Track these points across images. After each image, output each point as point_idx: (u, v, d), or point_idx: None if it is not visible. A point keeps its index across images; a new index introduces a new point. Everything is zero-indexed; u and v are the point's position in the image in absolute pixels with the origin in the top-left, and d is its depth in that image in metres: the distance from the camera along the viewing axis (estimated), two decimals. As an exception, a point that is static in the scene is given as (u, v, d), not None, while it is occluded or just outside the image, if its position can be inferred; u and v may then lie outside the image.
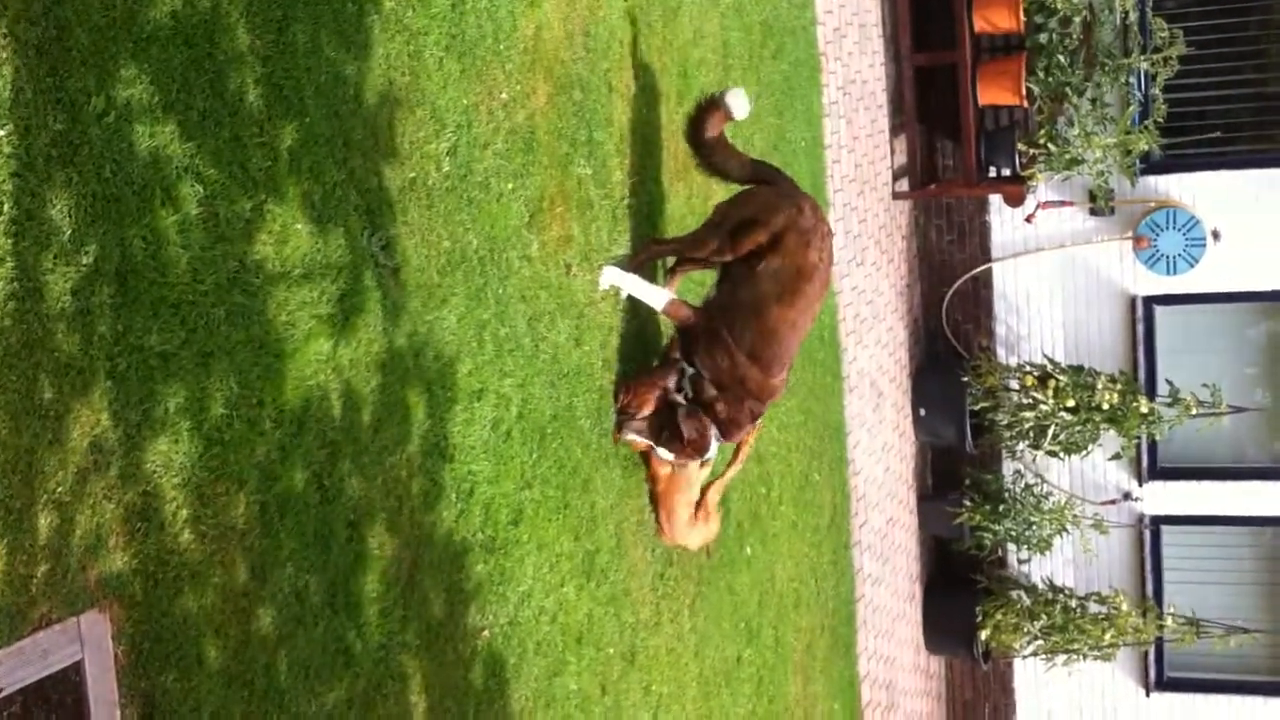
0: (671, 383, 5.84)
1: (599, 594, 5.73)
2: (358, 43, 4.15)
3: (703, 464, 6.14)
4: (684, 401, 5.81)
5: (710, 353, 5.77)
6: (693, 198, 6.80)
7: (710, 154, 6.09)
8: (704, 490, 6.42)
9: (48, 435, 3.03)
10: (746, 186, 6.13)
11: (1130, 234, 11.07)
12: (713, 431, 5.84)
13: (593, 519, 5.70)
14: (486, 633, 4.82)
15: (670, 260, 6.40)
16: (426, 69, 4.52)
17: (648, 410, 5.75)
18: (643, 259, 6.12)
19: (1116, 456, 10.79)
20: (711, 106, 6.01)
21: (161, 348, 3.35)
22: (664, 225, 6.53)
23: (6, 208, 2.95)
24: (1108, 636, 10.80)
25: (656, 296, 5.90)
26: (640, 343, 6.20)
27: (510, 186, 5.05)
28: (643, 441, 5.81)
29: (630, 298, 5.98)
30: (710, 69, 7.17)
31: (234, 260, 3.59)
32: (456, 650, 4.62)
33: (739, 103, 5.96)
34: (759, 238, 5.76)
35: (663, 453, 5.82)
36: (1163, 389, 10.58)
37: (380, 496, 4.20)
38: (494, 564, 4.88)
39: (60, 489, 3.06)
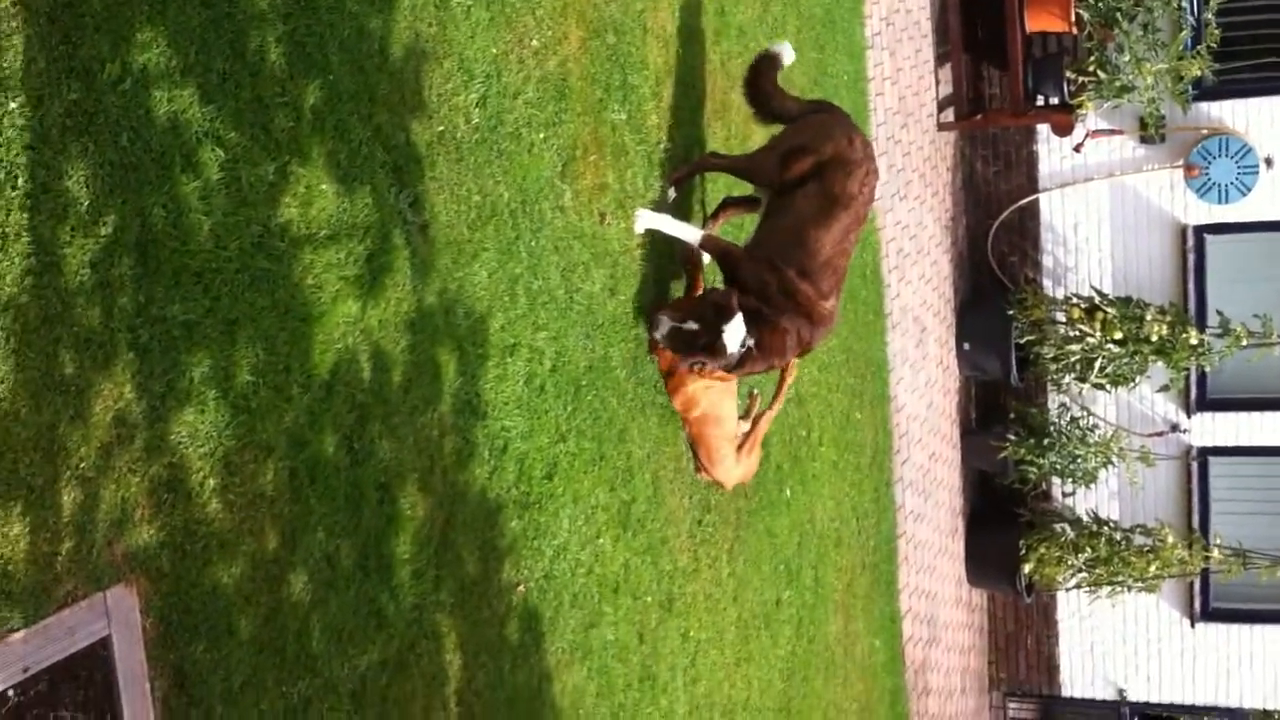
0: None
1: (635, 544, 5.70)
2: (382, -5, 4.05)
3: (723, 375, 5.90)
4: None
5: (757, 273, 5.65)
6: (730, 138, 6.68)
7: (769, 102, 6.13)
8: (755, 422, 6.44)
9: (69, 410, 3.00)
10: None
11: (1181, 162, 10.84)
12: (741, 332, 5.49)
13: (629, 469, 5.66)
14: (521, 588, 4.80)
15: (711, 207, 6.37)
16: (454, 18, 4.42)
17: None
18: (695, 170, 6.17)
19: (1165, 388, 10.64)
20: (763, 61, 6.11)
21: (184, 317, 3.30)
22: (704, 175, 6.42)
23: (21, 181, 2.89)
24: (1153, 568, 10.71)
25: (691, 233, 5.87)
26: (678, 291, 6.11)
27: (542, 136, 4.96)
28: (666, 330, 5.57)
29: (668, 244, 5.90)
30: (748, 5, 7.01)
31: (258, 225, 3.53)
32: (491, 607, 4.60)
33: (786, 50, 6.12)
34: (806, 163, 5.74)
35: (686, 329, 5.51)
36: (1213, 320, 10.39)
37: (411, 457, 4.16)
38: (528, 519, 4.85)
39: (83, 464, 3.03)
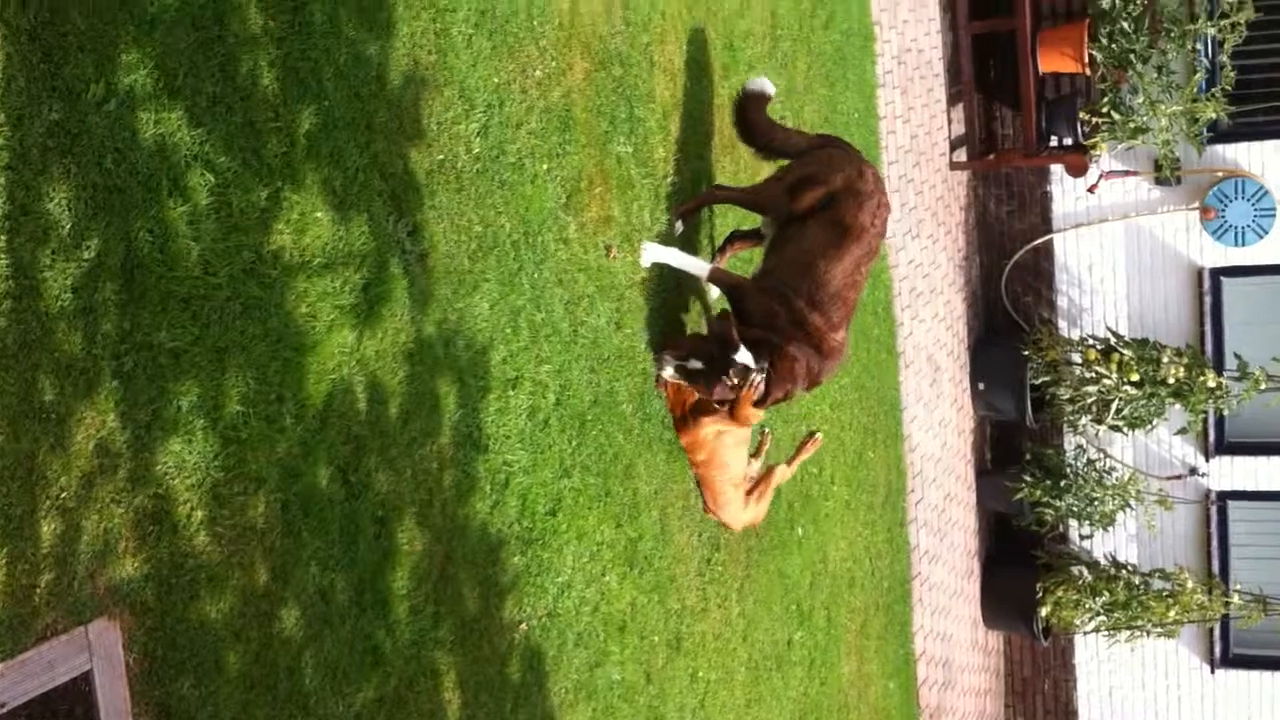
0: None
1: (642, 582, 5.60)
2: (379, 21, 4.00)
3: (736, 413, 5.83)
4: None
5: (765, 304, 5.56)
6: (740, 173, 6.62)
7: (767, 138, 6.06)
8: (767, 471, 6.37)
9: (49, 439, 2.92)
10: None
11: (1197, 204, 10.74)
12: (751, 358, 5.40)
13: (635, 506, 5.56)
14: (524, 626, 4.70)
15: (719, 240, 6.31)
16: (454, 46, 4.37)
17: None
18: (703, 203, 6.09)
19: (1183, 431, 10.52)
20: (746, 98, 6.05)
21: (171, 344, 3.23)
22: (713, 207, 6.36)
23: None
24: (1172, 613, 10.55)
25: (699, 266, 5.80)
26: (686, 325, 6.03)
27: (546, 167, 4.90)
28: (672, 371, 5.51)
29: (675, 280, 5.83)
30: (758, 40, 6.97)
31: (249, 251, 3.47)
32: (493, 645, 4.50)
33: (766, 84, 6.05)
34: (816, 194, 5.68)
35: (691, 368, 5.45)
36: (1230, 362, 10.27)
37: (410, 490, 4.07)
38: (531, 555, 4.75)
39: (64, 494, 2.95)
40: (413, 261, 4.11)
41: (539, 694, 4.76)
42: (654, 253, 5.64)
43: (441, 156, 4.29)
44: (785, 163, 6.00)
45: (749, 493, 6.26)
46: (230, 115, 3.44)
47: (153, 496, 3.18)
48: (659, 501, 5.77)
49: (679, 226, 5.93)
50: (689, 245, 6.04)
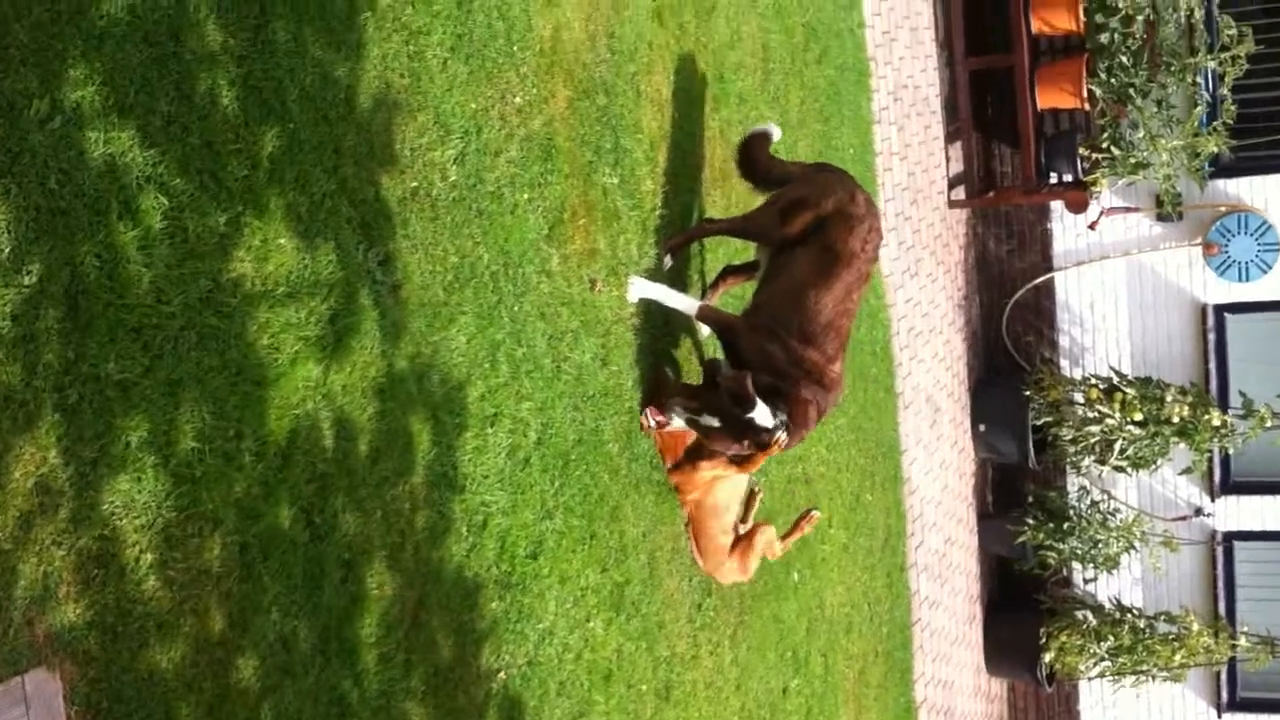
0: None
1: (630, 628, 5.39)
2: (349, 42, 3.84)
3: (743, 463, 5.66)
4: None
5: (759, 345, 5.37)
6: (731, 207, 6.46)
7: (765, 170, 5.97)
8: (753, 531, 6.13)
9: (-18, 476, 2.74)
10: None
11: (1199, 240, 10.60)
12: (767, 411, 5.19)
13: (622, 549, 5.36)
14: (503, 674, 4.49)
15: (710, 276, 6.16)
16: (429, 70, 4.21)
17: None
18: (692, 237, 5.96)
19: (1187, 471, 10.33)
20: (753, 137, 6.02)
21: (120, 376, 3.05)
22: (703, 240, 6.20)
23: (-67, 224, 2.66)
24: (1178, 657, 10.36)
25: (688, 304, 5.64)
26: (675, 362, 5.86)
27: (526, 197, 4.73)
28: (681, 423, 5.35)
29: (663, 316, 5.66)
30: (749, 73, 6.83)
31: (206, 279, 3.29)
32: (469, 694, 4.29)
33: (773, 129, 6.07)
34: (806, 218, 5.54)
35: (705, 424, 5.26)
36: (1235, 400, 10.10)
37: (380, 533, 3.88)
38: (510, 601, 4.55)
39: (-1, 535, 2.76)
40: (384, 292, 3.94)
41: (519, 746, 4.56)
42: (641, 288, 5.48)
43: (415, 184, 4.12)
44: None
45: (734, 545, 6.04)
46: (186, 136, 3.28)
47: (98, 538, 2.99)
48: (647, 545, 5.57)
49: (668, 261, 5.77)
50: (678, 281, 5.88)
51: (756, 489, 6.48)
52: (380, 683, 3.85)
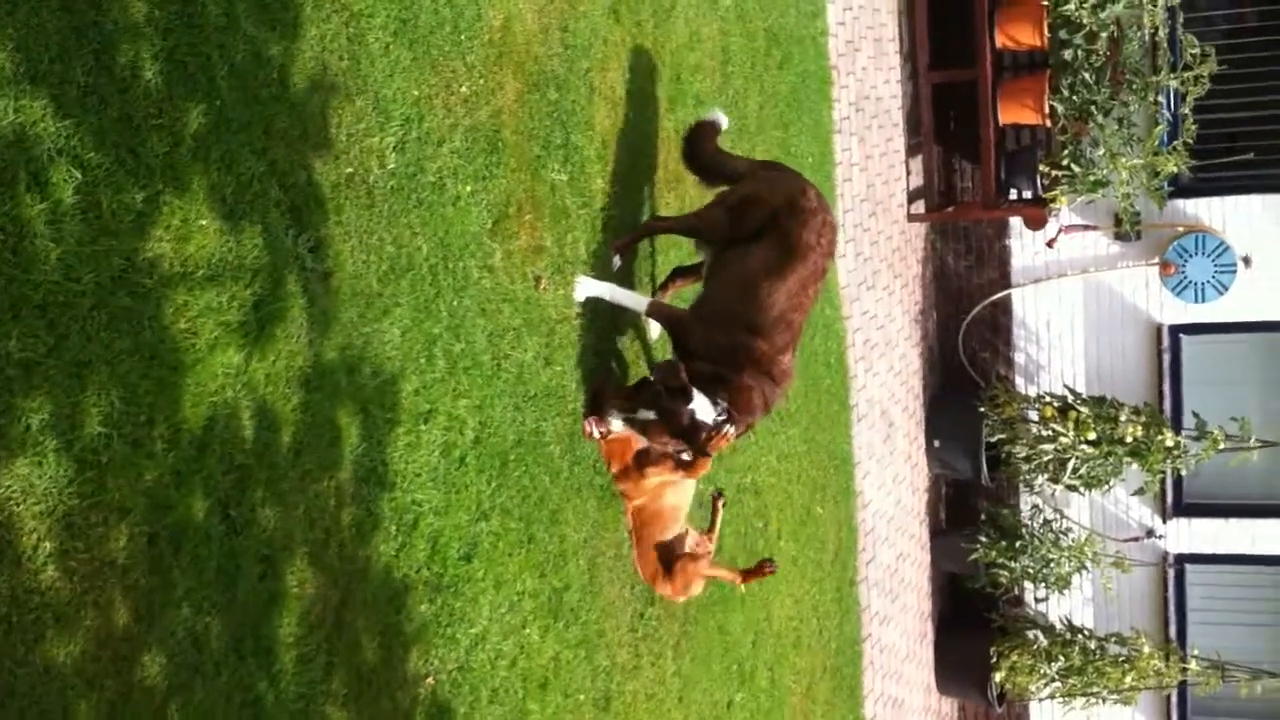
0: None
1: (568, 636, 5.26)
2: (284, 20, 3.71)
3: (690, 467, 5.55)
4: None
5: (706, 336, 5.29)
6: (685, 210, 6.34)
7: (713, 163, 5.88)
8: (694, 556, 5.93)
9: None
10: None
11: (1157, 260, 10.56)
12: (706, 401, 5.11)
13: (562, 554, 5.23)
14: (431, 679, 4.35)
15: (660, 277, 6.05)
16: (369, 54, 4.08)
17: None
18: (641, 235, 5.84)
19: (1140, 492, 10.28)
20: (700, 127, 5.92)
21: (22, 355, 2.90)
22: (654, 240, 6.09)
23: None
24: (1128, 679, 10.30)
25: (637, 301, 5.54)
26: (623, 364, 5.74)
27: (469, 189, 4.60)
28: (620, 424, 5.25)
29: (611, 315, 5.55)
30: (708, 75, 6.72)
31: (120, 258, 3.15)
32: (394, 700, 4.15)
33: (720, 116, 5.96)
34: (757, 214, 5.45)
35: (641, 419, 5.16)
36: (1189, 422, 10.06)
37: (302, 528, 3.74)
38: (441, 604, 4.41)
39: (-118, 517, 2.62)
40: (313, 280, 3.80)
41: (447, 754, 4.42)
42: (588, 287, 5.36)
43: (350, 170, 3.99)
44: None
45: (674, 563, 5.86)
46: (104, 108, 3.14)
47: (-7, 524, 2.85)
48: (588, 550, 5.45)
49: (617, 261, 5.65)
50: (627, 281, 5.76)
51: (721, 500, 6.34)
52: (299, 684, 3.71)
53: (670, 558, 5.75)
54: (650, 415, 5.14)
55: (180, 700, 3.29)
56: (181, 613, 3.30)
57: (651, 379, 5.12)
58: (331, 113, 3.91)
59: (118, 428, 3.13)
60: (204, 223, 3.39)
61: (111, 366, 3.12)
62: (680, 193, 6.36)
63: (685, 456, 5.29)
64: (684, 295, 6.06)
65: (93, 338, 3.07)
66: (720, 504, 6.35)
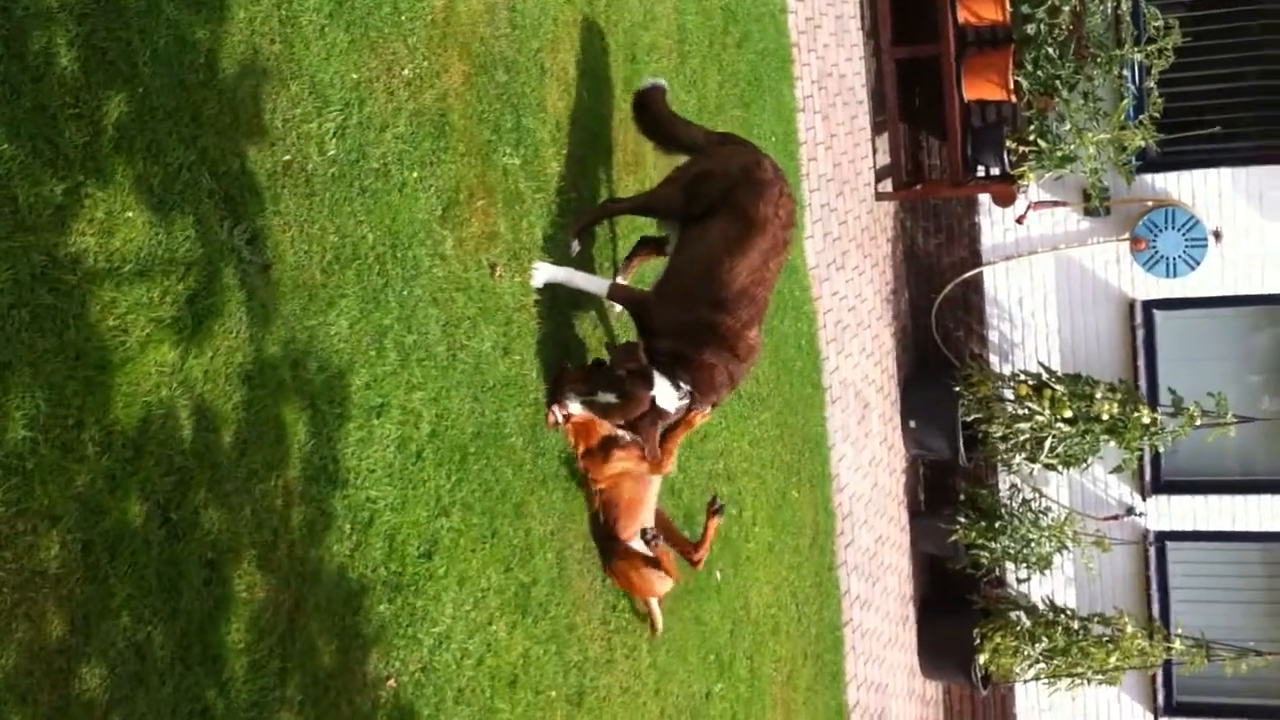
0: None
1: (537, 631, 5.13)
2: (210, 3, 3.57)
3: (656, 464, 5.45)
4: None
5: (670, 315, 5.20)
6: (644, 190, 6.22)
7: (669, 129, 5.76)
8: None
9: None
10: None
11: (1127, 235, 10.48)
12: (666, 381, 5.10)
13: (528, 548, 5.10)
14: (392, 682, 4.22)
15: (620, 261, 5.93)
16: (304, 37, 3.94)
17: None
18: (598, 217, 5.73)
19: (1118, 470, 10.20)
20: (646, 92, 5.80)
21: (-65, 357, 2.76)
22: (614, 223, 5.96)
23: None
24: (1112, 660, 10.22)
25: (598, 284, 5.45)
26: (582, 350, 5.61)
27: (416, 175, 4.47)
28: (579, 407, 5.19)
29: (571, 301, 5.42)
30: (664, 54, 6.60)
31: (40, 253, 3.01)
32: (353, 704, 4.02)
33: (656, 79, 5.85)
34: (713, 189, 5.35)
35: (602, 401, 5.11)
36: (1165, 398, 9.98)
37: (249, 530, 3.60)
38: (401, 603, 4.28)
39: None
40: (252, 272, 3.66)
41: (411, 758, 4.29)
42: (546, 272, 5.24)
43: (288, 157, 3.85)
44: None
45: (631, 557, 5.68)
46: (17, 97, 2.99)
47: (-91, 535, 2.71)
48: (555, 543, 5.32)
49: (575, 246, 5.52)
50: (587, 266, 5.63)
51: (717, 513, 6.08)
52: (250, 692, 3.57)
53: (613, 552, 5.58)
54: (610, 398, 5.07)
55: (122, 712, 3.15)
56: (121, 622, 3.16)
57: (610, 361, 5.02)
58: (265, 98, 3.77)
59: (44, 431, 2.99)
60: (130, 215, 3.25)
61: (34, 368, 2.97)
62: (640, 175, 6.24)
63: (655, 452, 5.21)
64: (644, 278, 5.93)
65: (12, 338, 2.93)
66: (716, 518, 6.09)
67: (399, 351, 4.32)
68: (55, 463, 3.02)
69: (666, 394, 5.00)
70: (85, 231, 3.12)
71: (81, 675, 3.06)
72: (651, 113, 5.73)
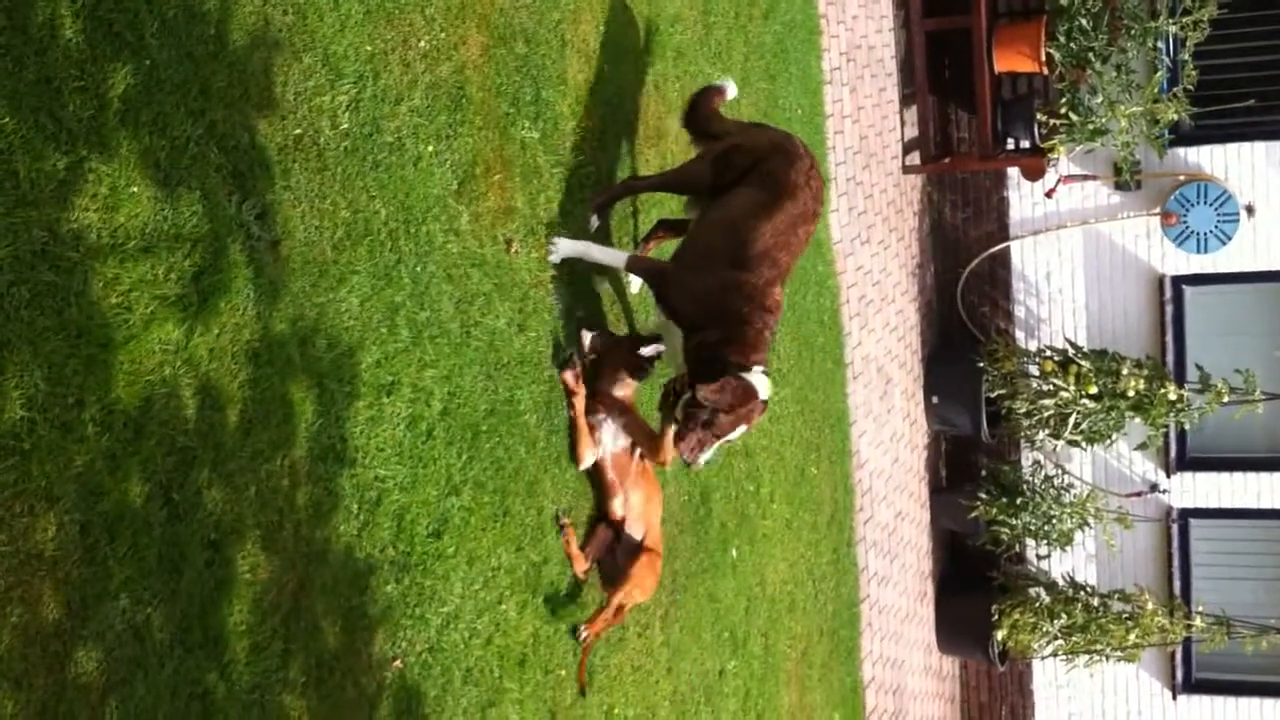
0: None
1: (547, 611, 5.08)
2: (220, -27, 3.49)
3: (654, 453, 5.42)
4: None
5: (692, 282, 5.07)
6: (666, 165, 6.14)
7: (707, 124, 5.70)
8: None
9: None
10: None
11: (1158, 210, 10.34)
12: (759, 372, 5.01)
13: (540, 526, 5.05)
14: (399, 663, 4.18)
15: (640, 237, 5.86)
16: (317, 8, 3.86)
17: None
18: (619, 194, 5.65)
19: (1143, 446, 10.11)
20: (706, 90, 5.81)
21: (-70, 336, 2.71)
22: (635, 199, 5.88)
23: None
24: (1132, 637, 10.17)
25: (616, 257, 5.37)
26: (602, 325, 5.54)
27: (431, 149, 4.39)
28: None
29: (587, 275, 5.35)
30: (688, 26, 6.49)
31: (41, 229, 2.95)
32: (358, 686, 3.98)
33: (730, 85, 5.87)
34: (743, 162, 5.27)
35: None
36: (1192, 374, 9.88)
37: (253, 511, 3.55)
38: (409, 583, 4.23)
39: None
40: (260, 248, 3.60)
41: (418, 739, 4.25)
42: (565, 247, 5.16)
43: (299, 131, 3.77)
44: None
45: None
46: (20, 70, 2.93)
47: (-97, 518, 2.66)
48: (569, 522, 5.26)
49: (594, 221, 5.45)
50: (606, 242, 5.55)
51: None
52: (252, 674, 3.53)
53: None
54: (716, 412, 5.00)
55: (120, 696, 3.11)
56: (119, 604, 3.12)
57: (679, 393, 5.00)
58: (276, 71, 3.69)
59: (43, 411, 2.94)
60: (135, 190, 3.18)
61: (34, 346, 2.92)
62: (661, 149, 6.15)
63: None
64: (665, 251, 5.85)
65: (12, 316, 2.87)
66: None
67: (411, 329, 4.25)
68: (54, 443, 2.97)
69: (764, 384, 4.99)
70: (88, 207, 3.06)
71: (78, 659, 3.02)
72: (699, 109, 5.72)
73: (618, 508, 5.41)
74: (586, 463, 5.30)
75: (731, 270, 5.01)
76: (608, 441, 5.35)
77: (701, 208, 5.36)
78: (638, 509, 5.43)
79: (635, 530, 5.44)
